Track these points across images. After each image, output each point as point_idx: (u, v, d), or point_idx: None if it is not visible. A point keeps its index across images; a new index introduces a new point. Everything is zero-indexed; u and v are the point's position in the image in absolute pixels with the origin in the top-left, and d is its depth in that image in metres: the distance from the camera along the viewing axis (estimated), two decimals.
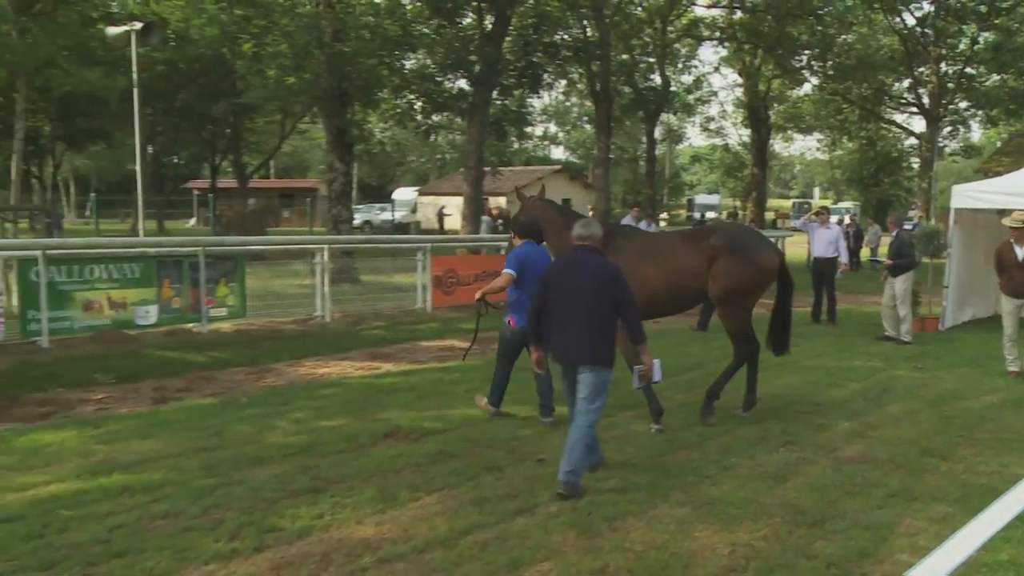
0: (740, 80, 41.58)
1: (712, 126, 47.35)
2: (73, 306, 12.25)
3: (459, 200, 39.50)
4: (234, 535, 5.36)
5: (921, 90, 39.58)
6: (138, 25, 19.18)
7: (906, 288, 13.89)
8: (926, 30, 36.49)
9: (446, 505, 5.96)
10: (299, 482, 6.33)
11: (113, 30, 20.20)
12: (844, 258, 15.94)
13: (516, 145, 74.25)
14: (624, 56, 33.56)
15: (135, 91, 19.51)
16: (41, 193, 45.62)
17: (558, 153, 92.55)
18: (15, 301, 12.15)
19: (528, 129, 64.10)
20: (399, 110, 25.17)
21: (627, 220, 22.58)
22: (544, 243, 8.64)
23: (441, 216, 48.23)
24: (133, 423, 8.08)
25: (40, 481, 6.27)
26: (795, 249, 29.73)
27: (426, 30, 24.13)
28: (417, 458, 6.97)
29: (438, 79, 24.51)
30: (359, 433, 7.69)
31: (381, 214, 51.26)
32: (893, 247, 14.14)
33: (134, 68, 19.39)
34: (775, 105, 44.02)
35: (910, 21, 37.16)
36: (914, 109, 41.70)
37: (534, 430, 7.96)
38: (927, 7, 35.69)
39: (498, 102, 25.67)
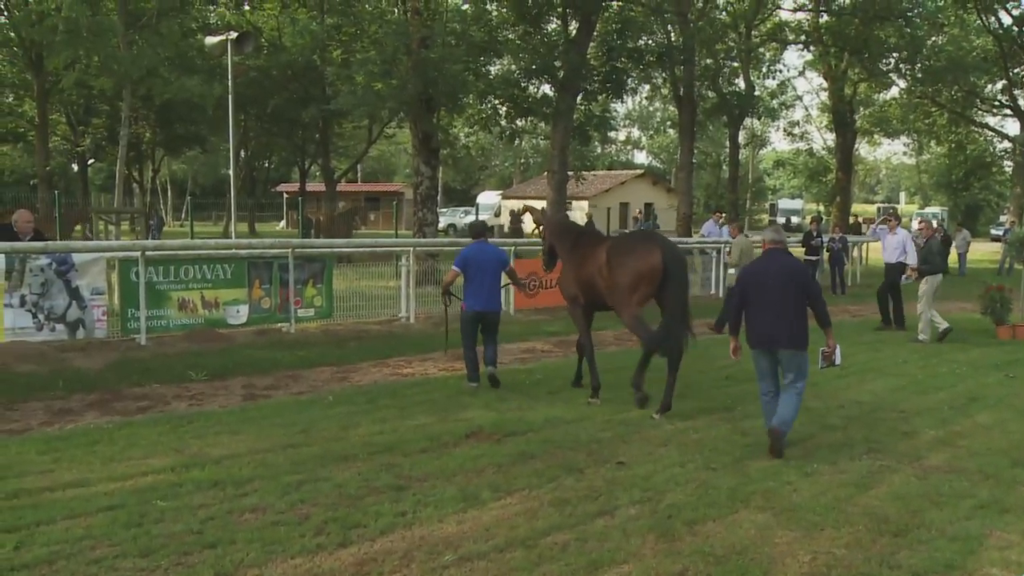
0: (825, 84, 40.68)
1: (796, 130, 46.23)
2: (169, 305, 12.62)
3: (535, 204, 39.61)
4: (319, 530, 5.45)
5: (1016, 91, 38.17)
6: (234, 34, 19.70)
7: (926, 290, 14.17)
8: None
9: (527, 506, 5.97)
10: (383, 480, 6.40)
11: (210, 39, 20.80)
12: (912, 261, 15.55)
13: (599, 149, 74.14)
14: (708, 61, 33.16)
15: (230, 98, 20.03)
16: (141, 196, 47.26)
17: (641, 157, 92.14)
18: (116, 300, 12.57)
19: (611, 134, 63.88)
20: (484, 115, 25.31)
21: (708, 225, 22.35)
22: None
23: (519, 219, 48.25)
24: (224, 419, 8.28)
25: (138, 472, 6.48)
26: (878, 255, 28.98)
27: (511, 36, 24.22)
28: (498, 458, 6.99)
29: (523, 84, 24.57)
30: (442, 433, 7.75)
31: (465, 217, 51.54)
32: (923, 253, 14.51)
33: (229, 75, 19.92)
34: (861, 109, 42.94)
35: (1006, 20, 35.87)
36: (1008, 111, 40.25)
37: (615, 433, 7.92)
38: None
39: (582, 107, 25.62)
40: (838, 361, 7.79)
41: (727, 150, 44.27)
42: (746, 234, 17.04)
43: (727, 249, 15.71)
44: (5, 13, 29.62)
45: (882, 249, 16.25)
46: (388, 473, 6.57)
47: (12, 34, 28.68)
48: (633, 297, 8.80)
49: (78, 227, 24.39)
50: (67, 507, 5.70)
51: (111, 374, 10.28)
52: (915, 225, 17.37)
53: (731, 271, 15.73)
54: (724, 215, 24.04)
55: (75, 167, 41.29)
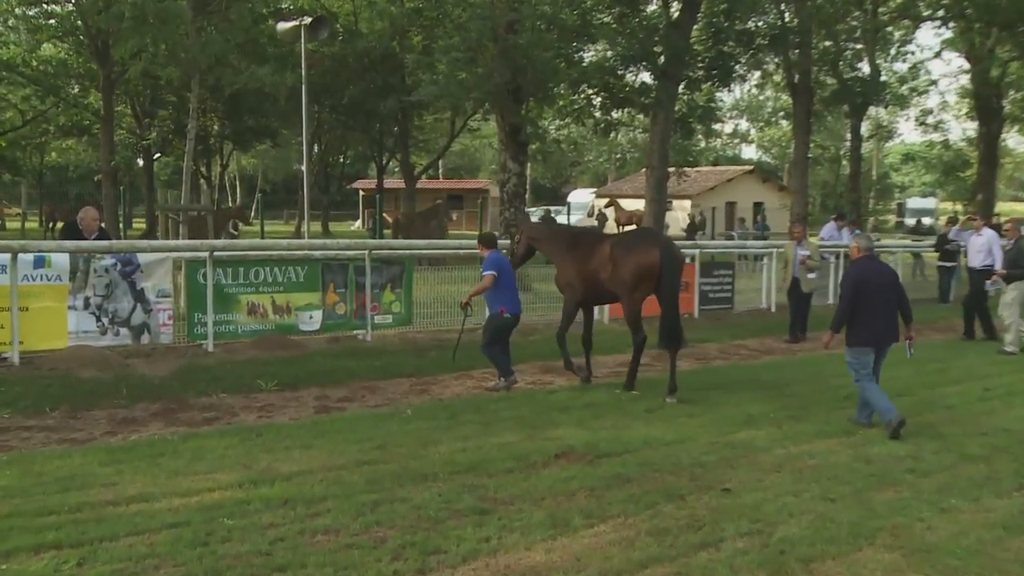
0: (966, 65, 39.37)
1: (929, 120, 44.75)
2: (238, 309, 12.92)
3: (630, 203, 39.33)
4: (396, 555, 5.49)
5: None
6: (307, 20, 20.10)
7: (1015, 297, 14.25)
8: None
9: (622, 534, 5.93)
10: (465, 502, 6.44)
11: (282, 25, 21.25)
12: (998, 265, 15.13)
13: (703, 143, 73.39)
14: (827, 43, 32.45)
15: (303, 88, 20.43)
16: (209, 193, 48.56)
17: (749, 152, 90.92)
18: (182, 303, 12.92)
19: (717, 126, 63.16)
20: (577, 106, 25.23)
21: (828, 228, 21.92)
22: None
23: (602, 219, 48.07)
24: (295, 432, 8.43)
25: (204, 487, 6.64)
26: None
27: (607, 19, 24.12)
28: (591, 481, 6.96)
29: (619, 72, 24.42)
30: (529, 452, 7.76)
31: (556, 217, 51.53)
32: (1010, 256, 14.50)
33: (303, 64, 20.32)
34: (1010, 92, 41.31)
35: None
36: None
37: (720, 456, 7.81)
38: None
39: (684, 96, 25.35)
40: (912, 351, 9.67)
41: (847, 143, 43.32)
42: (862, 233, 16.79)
43: (805, 253, 15.52)
44: (72, 1, 30.82)
45: (967, 253, 16.18)
46: (471, 495, 6.60)
47: (79, 22, 29.83)
48: (635, 294, 10.49)
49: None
50: (131, 523, 5.87)
51: (176, 382, 10.57)
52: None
53: (811, 275, 15.63)
54: (846, 218, 23.46)
55: (140, 162, 42.62)
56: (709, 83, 25.82)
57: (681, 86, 24.30)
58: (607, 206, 47.73)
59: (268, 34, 29.18)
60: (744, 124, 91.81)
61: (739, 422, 9.10)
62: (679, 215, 45.36)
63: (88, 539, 5.57)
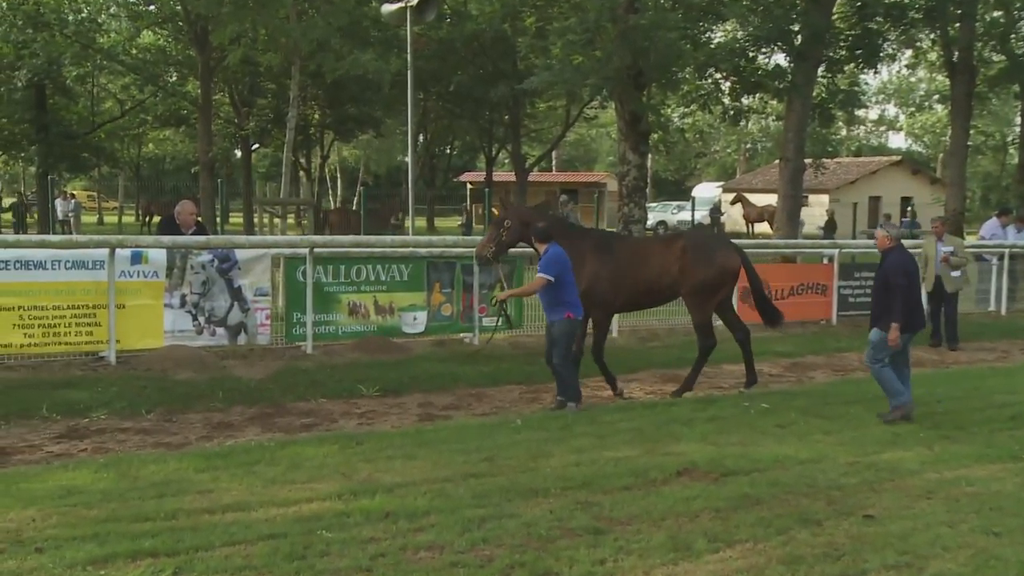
0: None
1: None
2: (338, 309, 13.17)
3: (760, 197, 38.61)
4: (504, 575, 5.53)
5: None
6: (413, 1, 20.37)
7: None
8: None
9: (750, 561, 5.85)
10: (578, 520, 6.43)
11: (387, 7, 21.58)
12: None
13: (844, 132, 71.91)
14: (996, 13, 31.29)
15: (409, 74, 20.72)
16: (308, 186, 49.64)
17: (897, 141, 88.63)
18: (281, 302, 13.22)
19: (860, 112, 61.76)
20: (703, 91, 25.01)
21: (990, 226, 21.13)
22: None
23: (716, 216, 47.37)
24: (397, 441, 8.54)
25: (302, 497, 6.79)
26: None
27: None
28: (716, 502, 6.89)
29: (751, 54, 24.12)
30: (648, 468, 7.71)
31: (678, 213, 51.14)
32: None
33: (408, 48, 20.60)
34: None
35: None
36: None
37: (861, 478, 7.63)
38: None
39: (824, 80, 24.90)
40: None
41: (1017, 129, 41.81)
42: None
43: (948, 250, 15.10)
44: None
45: None
46: (585, 512, 6.59)
47: (178, 7, 30.92)
48: (713, 298, 11.16)
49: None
50: (226, 532, 6.04)
51: (274, 385, 10.85)
52: None
53: (956, 273, 15.27)
54: (1011, 213, 22.54)
55: (238, 153, 43.81)
56: (852, 64, 25.35)
57: (820, 68, 23.90)
58: (733, 202, 47.16)
59: (372, 17, 29.61)
60: (892, 109, 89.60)
61: (883, 441, 8.87)
62: (815, 211, 44.50)
63: (184, 548, 5.75)
